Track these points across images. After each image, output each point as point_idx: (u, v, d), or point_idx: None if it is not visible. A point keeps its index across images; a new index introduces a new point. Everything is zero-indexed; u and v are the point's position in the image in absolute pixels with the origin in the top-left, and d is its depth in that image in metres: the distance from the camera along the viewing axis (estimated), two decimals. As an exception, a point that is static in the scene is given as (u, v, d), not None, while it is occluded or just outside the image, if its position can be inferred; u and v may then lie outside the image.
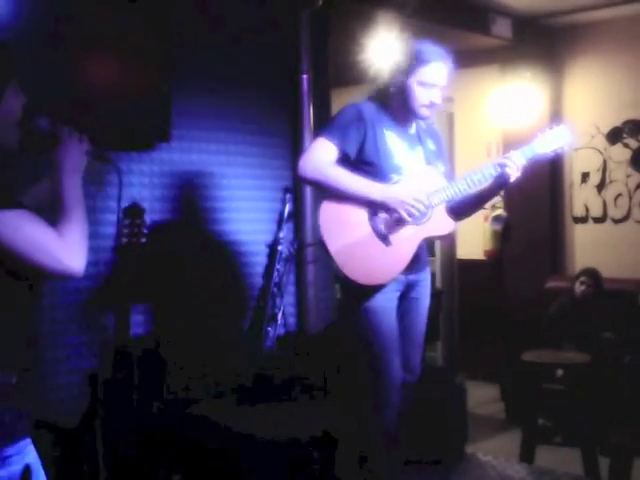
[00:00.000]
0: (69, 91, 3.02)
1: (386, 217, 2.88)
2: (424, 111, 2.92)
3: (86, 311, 3.35)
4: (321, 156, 2.87)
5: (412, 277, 2.99)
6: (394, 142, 2.93)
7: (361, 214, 2.88)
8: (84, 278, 1.75)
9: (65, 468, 2.76)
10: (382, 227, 2.88)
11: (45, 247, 1.63)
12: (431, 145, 3.04)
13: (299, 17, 4.13)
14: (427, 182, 2.92)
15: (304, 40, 4.16)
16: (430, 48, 2.89)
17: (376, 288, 2.89)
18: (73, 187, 1.77)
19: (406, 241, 2.89)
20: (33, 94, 1.77)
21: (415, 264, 2.95)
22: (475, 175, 2.90)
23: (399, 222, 2.86)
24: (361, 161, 2.90)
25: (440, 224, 2.94)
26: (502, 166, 2.88)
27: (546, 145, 2.98)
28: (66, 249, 1.66)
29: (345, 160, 2.91)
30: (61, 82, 2.99)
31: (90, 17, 3.09)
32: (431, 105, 2.91)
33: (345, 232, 2.88)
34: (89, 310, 3.35)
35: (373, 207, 2.87)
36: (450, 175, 3.06)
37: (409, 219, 2.84)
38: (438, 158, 3.04)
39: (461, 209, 3.07)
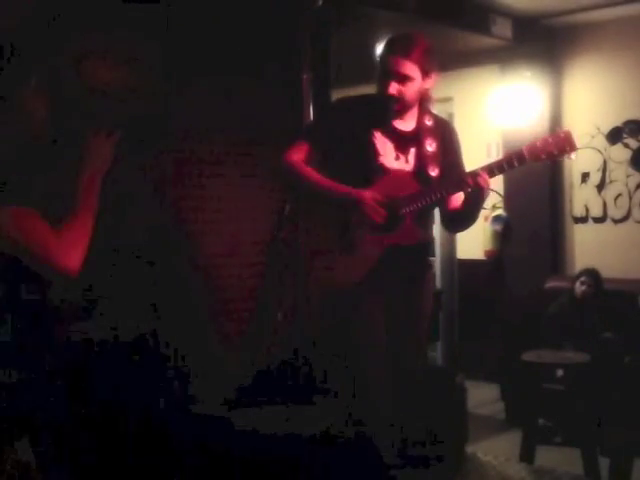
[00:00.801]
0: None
1: (351, 222, 2.80)
2: (392, 104, 2.82)
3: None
4: (294, 155, 2.83)
5: (399, 286, 2.89)
6: (380, 141, 2.82)
7: (327, 217, 2.84)
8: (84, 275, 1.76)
9: (61, 467, 2.76)
10: (346, 231, 2.82)
11: (41, 244, 1.70)
12: (430, 146, 2.89)
13: (299, 17, 4.13)
14: (403, 188, 2.79)
15: (304, 40, 4.16)
16: (394, 37, 2.81)
17: (359, 293, 2.83)
18: (89, 186, 1.81)
19: (370, 248, 2.80)
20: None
21: (398, 272, 2.85)
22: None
23: (363, 227, 2.79)
24: (343, 159, 2.83)
25: (407, 234, 2.82)
26: (463, 182, 2.76)
27: (540, 153, 2.74)
28: (61, 248, 1.71)
29: (326, 158, 2.85)
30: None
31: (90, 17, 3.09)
32: (388, 97, 2.79)
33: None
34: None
35: (339, 211, 2.80)
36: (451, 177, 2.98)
37: (367, 224, 2.75)
38: (433, 161, 2.87)
39: (449, 221, 3.00)
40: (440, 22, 4.93)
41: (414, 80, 2.78)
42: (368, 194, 2.74)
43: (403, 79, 2.77)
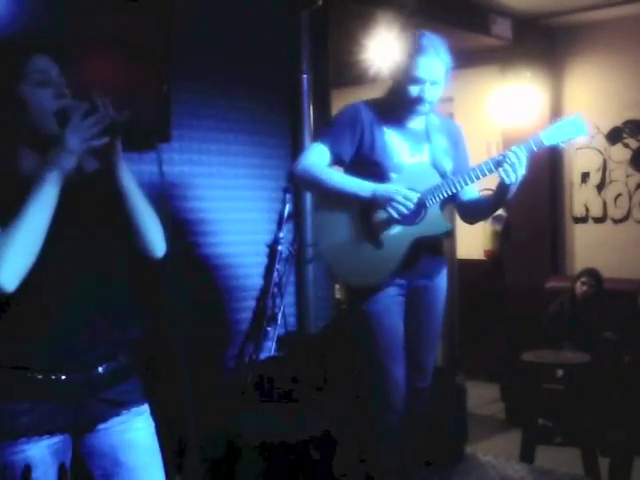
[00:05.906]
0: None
1: (377, 217, 2.82)
2: (416, 106, 2.80)
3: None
4: (313, 159, 2.85)
5: (418, 280, 2.93)
6: (394, 140, 2.86)
7: (352, 215, 2.85)
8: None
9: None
10: (372, 228, 2.83)
11: None
12: (441, 142, 2.93)
13: (299, 17, 4.13)
14: (423, 181, 2.82)
15: (304, 40, 4.15)
16: (422, 41, 2.74)
17: (377, 291, 2.86)
18: (44, 183, 1.66)
19: (397, 241, 2.82)
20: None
21: (419, 266, 2.88)
22: (472, 172, 2.79)
23: (389, 221, 2.81)
24: (360, 161, 2.85)
25: (434, 224, 2.85)
26: (499, 163, 2.72)
27: (556, 136, 2.76)
28: None
29: (342, 162, 2.89)
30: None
31: (89, 16, 3.09)
32: (419, 100, 2.78)
33: (336, 234, 2.86)
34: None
35: (364, 207, 2.82)
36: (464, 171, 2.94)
37: (397, 217, 2.76)
38: (447, 155, 2.92)
39: (470, 213, 3.02)
40: (440, 22, 4.92)
41: (442, 82, 2.79)
42: (394, 187, 2.76)
43: (436, 82, 2.76)
